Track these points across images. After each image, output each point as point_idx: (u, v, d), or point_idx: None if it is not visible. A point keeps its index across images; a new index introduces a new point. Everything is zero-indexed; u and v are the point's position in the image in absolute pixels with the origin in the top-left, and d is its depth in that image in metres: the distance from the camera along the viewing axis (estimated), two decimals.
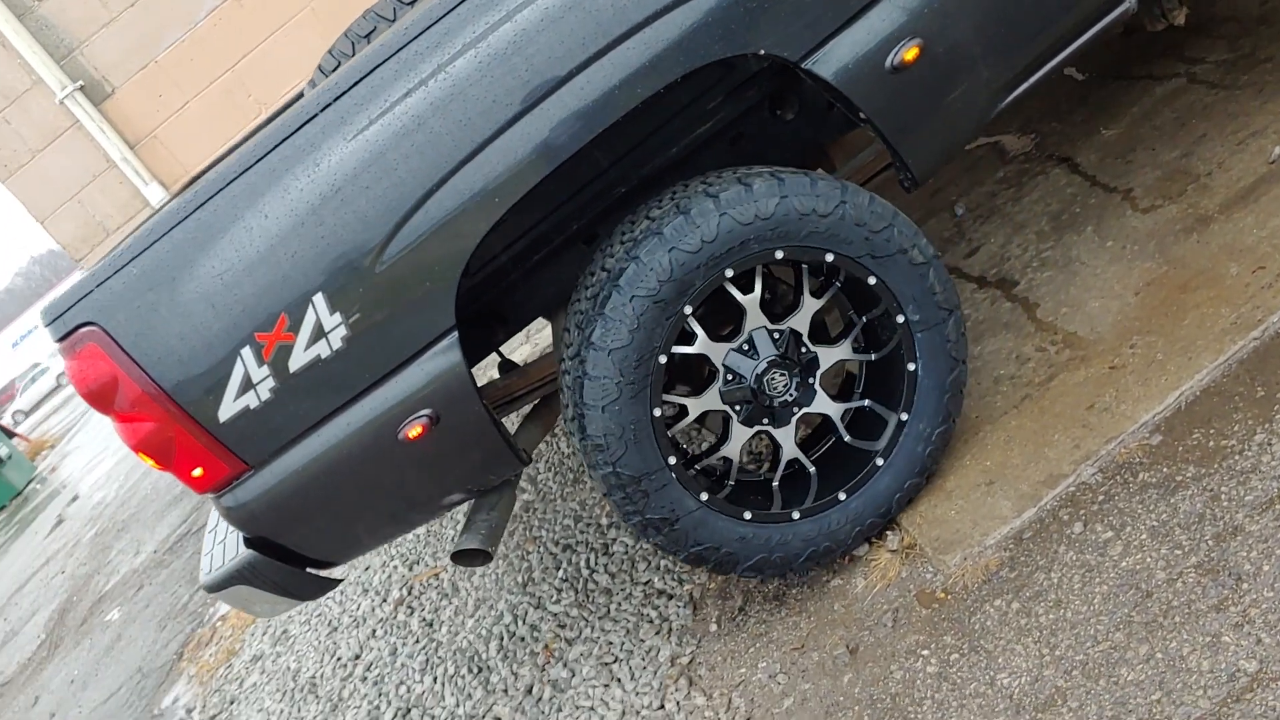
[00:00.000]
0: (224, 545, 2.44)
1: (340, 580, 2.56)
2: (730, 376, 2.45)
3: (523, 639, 3.16)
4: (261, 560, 2.31)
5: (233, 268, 2.14)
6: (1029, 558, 2.26)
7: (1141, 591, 2.03)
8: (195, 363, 2.14)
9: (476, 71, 2.15)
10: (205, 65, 5.80)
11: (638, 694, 2.65)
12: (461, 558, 2.51)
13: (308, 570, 2.42)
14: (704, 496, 2.42)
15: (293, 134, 2.16)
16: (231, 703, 4.30)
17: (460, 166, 2.17)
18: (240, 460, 2.22)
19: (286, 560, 2.36)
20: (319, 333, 2.17)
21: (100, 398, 2.13)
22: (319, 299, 2.16)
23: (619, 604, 3.01)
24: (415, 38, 2.17)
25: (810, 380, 2.51)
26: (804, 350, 2.49)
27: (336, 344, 2.18)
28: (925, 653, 2.23)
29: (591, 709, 2.70)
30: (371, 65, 2.17)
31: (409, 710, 3.30)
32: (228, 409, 2.17)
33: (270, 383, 2.17)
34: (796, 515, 2.50)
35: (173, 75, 5.79)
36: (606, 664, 2.81)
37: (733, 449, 2.53)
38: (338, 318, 2.17)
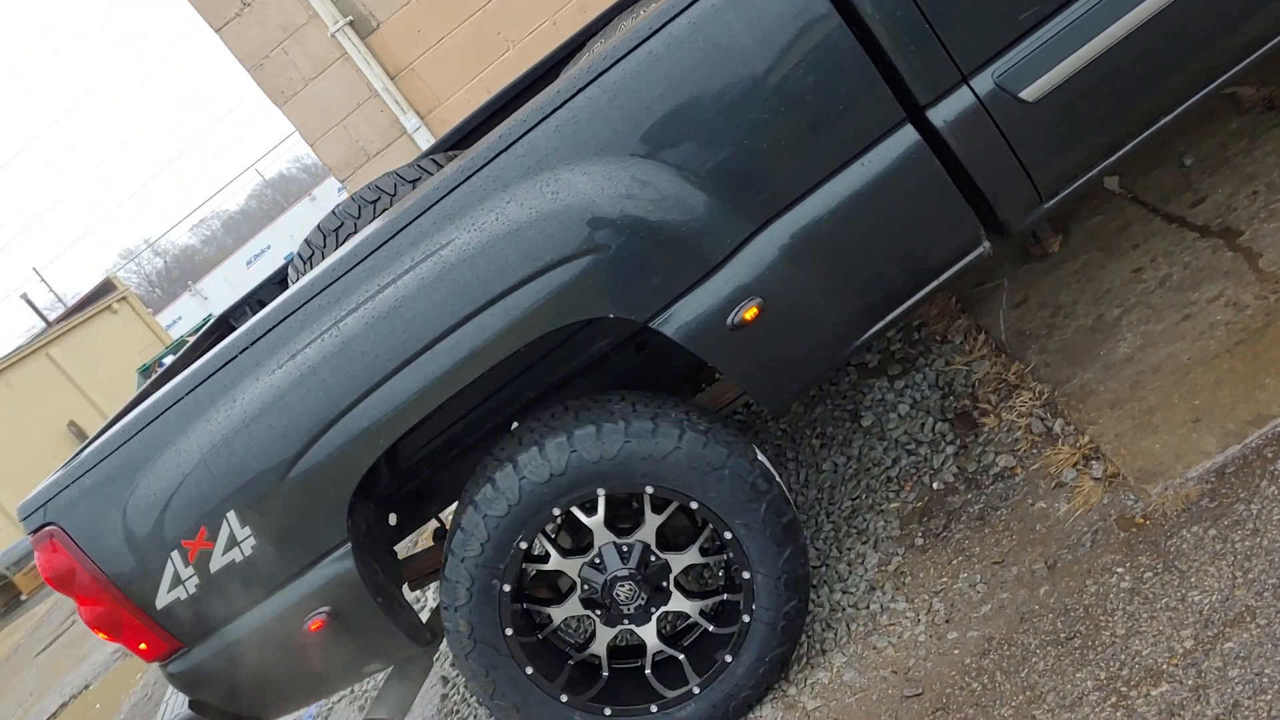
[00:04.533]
0: (176, 698, 2.88)
1: None
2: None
3: None
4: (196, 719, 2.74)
5: (164, 484, 2.53)
6: (1230, 490, 2.34)
7: None
8: (135, 560, 2.56)
9: (363, 329, 2.44)
10: (460, 4, 6.14)
11: (844, 594, 2.89)
12: None
13: None
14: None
15: (216, 371, 2.51)
16: None
17: (348, 410, 2.47)
18: (175, 639, 2.64)
19: (225, 715, 2.78)
20: (232, 542, 2.53)
21: (62, 582, 2.59)
22: (231, 515, 2.52)
23: (827, 516, 3.20)
24: (318, 294, 2.47)
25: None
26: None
27: (247, 551, 2.54)
28: (1120, 570, 2.37)
29: None
30: (283, 315, 2.49)
31: None
32: (163, 599, 2.58)
33: (195, 580, 2.56)
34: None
35: (430, 13, 6.16)
36: (814, 568, 3.01)
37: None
38: (248, 530, 2.53)
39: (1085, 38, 2.37)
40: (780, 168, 2.43)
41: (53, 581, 2.60)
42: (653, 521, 2.64)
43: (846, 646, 2.73)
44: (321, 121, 6.40)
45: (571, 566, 2.69)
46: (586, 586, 2.69)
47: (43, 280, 42.49)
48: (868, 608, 2.79)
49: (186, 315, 34.82)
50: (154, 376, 3.53)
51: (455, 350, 2.42)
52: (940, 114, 2.43)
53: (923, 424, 3.18)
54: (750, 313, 2.44)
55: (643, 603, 2.68)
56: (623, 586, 2.65)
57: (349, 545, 2.55)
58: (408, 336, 2.41)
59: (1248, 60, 2.45)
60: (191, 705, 2.75)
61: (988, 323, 3.38)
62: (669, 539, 2.71)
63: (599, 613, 2.71)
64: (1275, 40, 2.42)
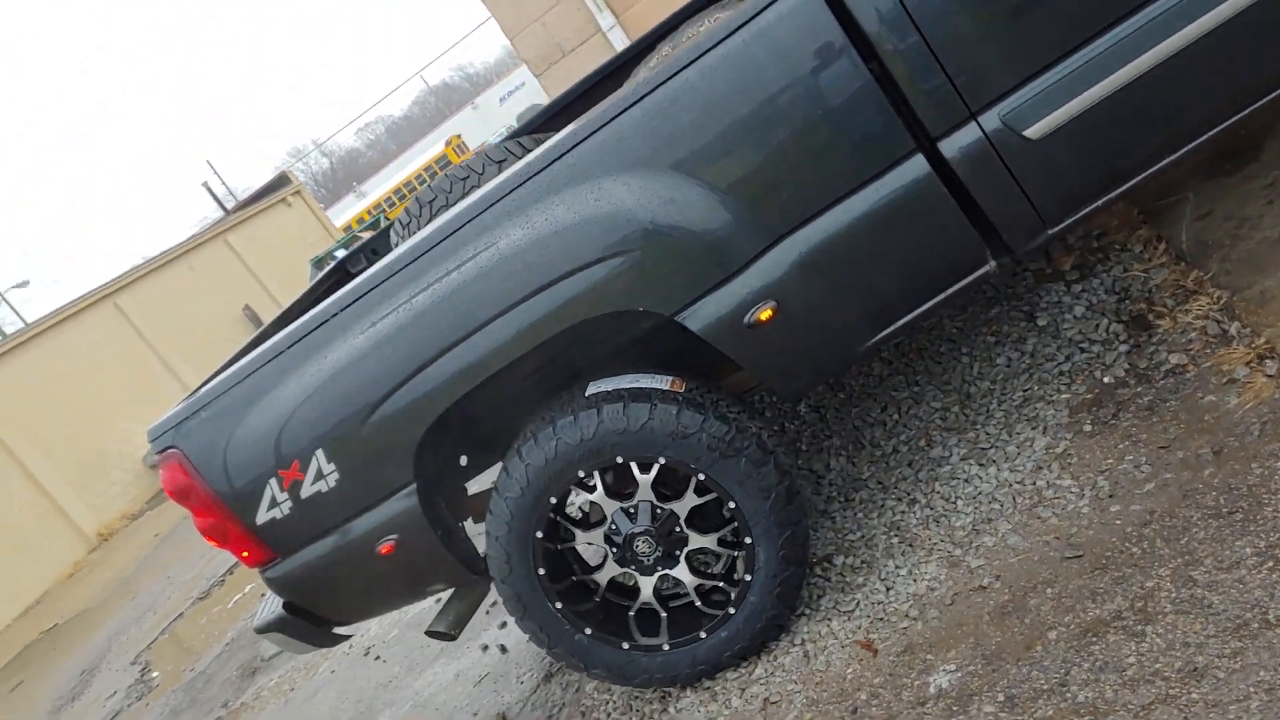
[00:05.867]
0: (273, 599, 3.41)
1: (349, 636, 3.47)
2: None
3: (905, 426, 3.63)
4: (288, 617, 3.27)
5: (265, 423, 3.02)
6: None
7: None
8: (241, 483, 3.07)
9: (430, 306, 2.87)
10: None
11: (1012, 472, 3.10)
12: (432, 634, 3.33)
13: (333, 629, 3.37)
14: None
15: (310, 332, 2.98)
16: None
17: (414, 375, 2.91)
18: (272, 550, 3.15)
19: (313, 618, 3.30)
20: (320, 475, 3.01)
21: (180, 496, 3.12)
22: (319, 453, 3.00)
23: (998, 404, 3.39)
24: (398, 271, 2.90)
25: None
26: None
27: (332, 484, 3.02)
28: None
29: (966, 481, 3.18)
30: (369, 286, 2.93)
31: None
32: (262, 516, 3.09)
33: (289, 504, 3.06)
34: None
35: None
36: (983, 449, 3.25)
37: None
38: (332, 466, 3.00)
39: (1087, 84, 2.57)
40: (798, 187, 2.72)
41: (173, 494, 3.13)
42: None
43: (1012, 516, 2.95)
44: (521, 17, 6.70)
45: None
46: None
47: (214, 172, 44.94)
48: (1034, 484, 3.00)
49: (349, 215, 36.29)
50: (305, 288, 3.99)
51: (503, 331, 2.82)
52: (950, 146, 2.68)
53: (1097, 325, 3.32)
54: (765, 314, 2.77)
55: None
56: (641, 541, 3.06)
57: (414, 485, 3.01)
58: (465, 316, 2.83)
59: (1253, 105, 2.60)
60: (285, 606, 3.28)
61: (1169, 233, 3.45)
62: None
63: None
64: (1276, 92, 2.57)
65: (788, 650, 3.08)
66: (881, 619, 2.97)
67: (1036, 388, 3.32)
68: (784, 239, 2.75)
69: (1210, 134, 2.64)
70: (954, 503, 3.16)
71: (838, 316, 2.84)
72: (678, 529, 3.05)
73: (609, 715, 3.38)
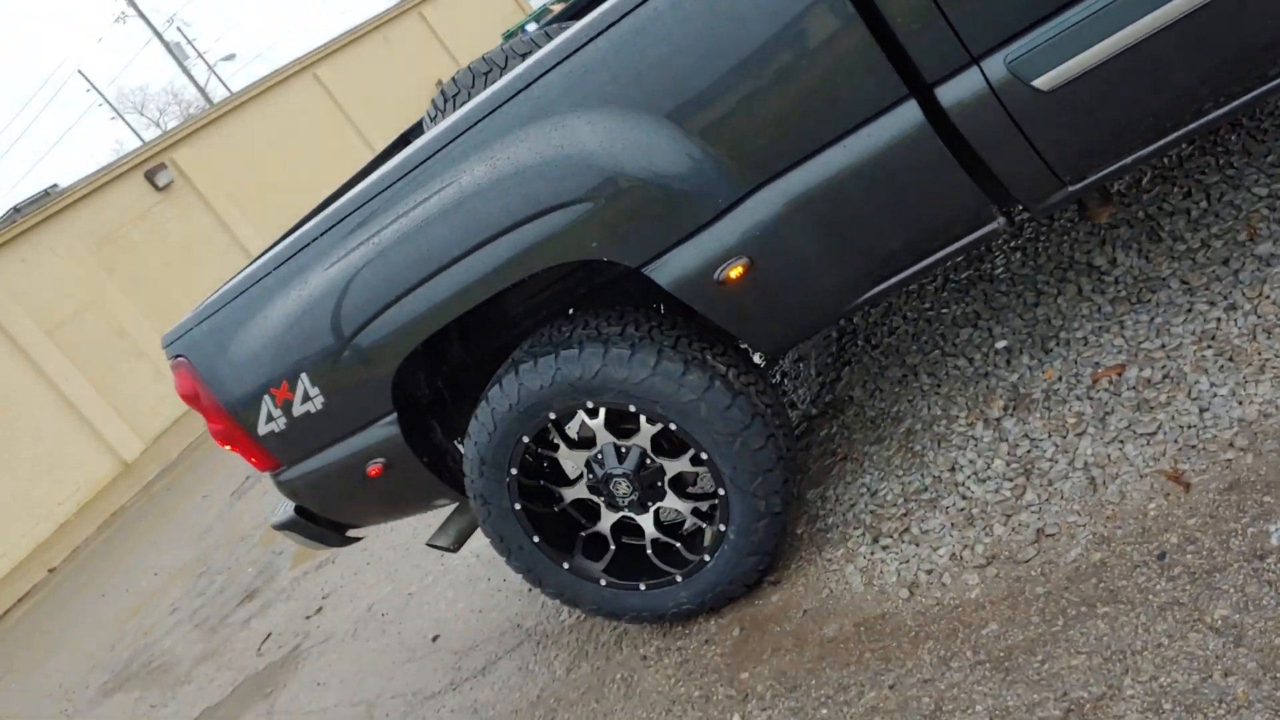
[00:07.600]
0: (286, 503, 3.49)
1: (361, 538, 3.54)
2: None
3: (1217, 215, 2.97)
4: (297, 519, 3.37)
5: (258, 341, 3.03)
6: None
7: None
8: (242, 394, 3.11)
9: (396, 241, 2.75)
10: None
11: None
12: (433, 546, 3.36)
13: (345, 532, 3.46)
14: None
15: (291, 257, 2.93)
16: None
17: (384, 309, 2.83)
18: (275, 459, 3.22)
19: (325, 521, 3.39)
20: (306, 397, 3.03)
21: (190, 401, 3.19)
22: (304, 376, 3.00)
23: None
24: (371, 198, 2.78)
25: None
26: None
27: (318, 406, 3.03)
28: None
29: None
30: (341, 216, 2.84)
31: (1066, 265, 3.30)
32: (262, 428, 3.14)
33: (282, 420, 3.09)
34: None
35: None
36: None
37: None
38: (316, 389, 3.01)
39: (1112, 28, 2.13)
40: (773, 134, 2.41)
41: (185, 398, 3.21)
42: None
43: None
44: None
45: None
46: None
47: None
48: None
49: None
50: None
51: (468, 273, 2.68)
52: (948, 94, 2.30)
53: None
54: (736, 271, 2.53)
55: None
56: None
57: (394, 415, 2.98)
58: (430, 254, 2.69)
59: None
60: (296, 510, 3.39)
61: None
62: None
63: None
64: None
65: (1066, 475, 2.60)
66: (1194, 446, 2.42)
67: None
68: (757, 191, 2.47)
69: (1264, 90, 2.16)
70: None
71: (817, 275, 2.56)
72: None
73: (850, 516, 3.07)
